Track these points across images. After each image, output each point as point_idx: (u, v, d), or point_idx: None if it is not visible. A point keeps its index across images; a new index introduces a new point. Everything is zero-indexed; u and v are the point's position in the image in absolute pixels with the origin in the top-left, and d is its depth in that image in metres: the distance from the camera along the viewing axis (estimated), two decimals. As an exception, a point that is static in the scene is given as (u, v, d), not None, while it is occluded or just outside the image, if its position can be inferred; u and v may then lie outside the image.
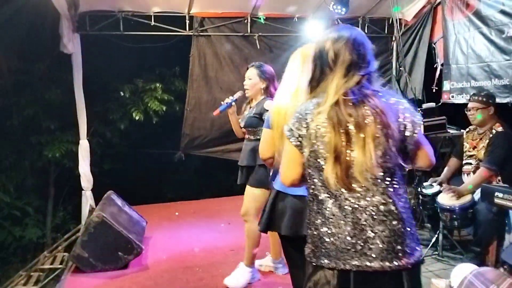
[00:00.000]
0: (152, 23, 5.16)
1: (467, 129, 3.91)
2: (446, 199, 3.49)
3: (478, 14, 4.55)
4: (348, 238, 1.46)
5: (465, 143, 3.85)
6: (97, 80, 6.02)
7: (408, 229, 1.48)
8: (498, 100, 3.87)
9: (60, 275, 3.89)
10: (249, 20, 5.45)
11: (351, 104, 1.47)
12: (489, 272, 1.79)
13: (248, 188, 3.20)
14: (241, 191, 3.33)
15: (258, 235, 3.21)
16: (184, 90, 5.93)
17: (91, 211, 4.73)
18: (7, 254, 5.83)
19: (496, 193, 2.93)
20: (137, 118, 5.89)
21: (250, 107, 3.28)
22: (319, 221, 1.52)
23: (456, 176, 3.91)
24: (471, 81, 4.71)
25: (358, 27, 5.78)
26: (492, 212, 3.24)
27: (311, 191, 1.57)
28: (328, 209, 1.49)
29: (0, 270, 5.53)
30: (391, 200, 1.46)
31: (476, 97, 3.67)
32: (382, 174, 1.46)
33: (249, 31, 5.49)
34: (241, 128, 3.35)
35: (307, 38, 5.55)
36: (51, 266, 4.32)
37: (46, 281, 4.18)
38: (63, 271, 3.94)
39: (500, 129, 3.55)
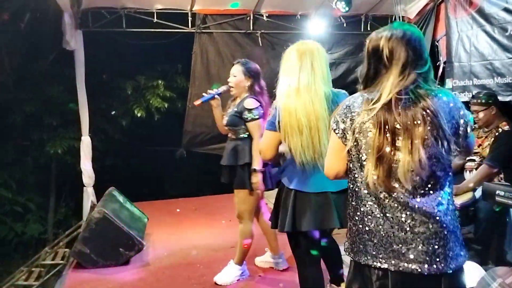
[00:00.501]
0: (155, 20, 5.16)
1: (473, 127, 3.90)
2: (446, 198, 3.48)
3: (481, 12, 4.54)
4: (387, 237, 1.44)
5: None
6: (99, 77, 6.05)
7: (451, 232, 1.44)
8: (500, 98, 3.85)
9: (62, 271, 3.90)
10: (251, 17, 5.45)
11: (403, 103, 1.42)
12: (501, 269, 1.83)
13: (235, 191, 3.19)
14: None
15: (251, 237, 3.21)
16: (186, 87, 5.93)
17: (92, 207, 4.75)
18: (8, 250, 5.85)
19: (498, 192, 2.90)
20: (139, 115, 5.90)
21: (234, 105, 3.22)
22: (357, 217, 1.52)
23: (458, 174, 3.89)
24: (474, 79, 4.69)
25: (360, 24, 5.78)
26: (493, 210, 3.22)
27: (351, 186, 1.56)
28: (368, 206, 1.49)
29: (1, 266, 5.54)
30: (433, 203, 1.43)
31: (475, 100, 3.63)
32: (427, 176, 1.42)
33: (251, 28, 5.49)
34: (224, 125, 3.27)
35: (310, 35, 5.56)
36: (52, 262, 4.31)
37: (47, 276, 4.18)
38: (64, 267, 3.95)
39: (506, 127, 3.53)
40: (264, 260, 3.54)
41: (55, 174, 6.40)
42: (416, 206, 1.42)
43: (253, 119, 3.02)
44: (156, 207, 5.37)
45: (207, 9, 5.34)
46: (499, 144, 3.48)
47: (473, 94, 4.04)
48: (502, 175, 3.49)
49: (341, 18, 5.52)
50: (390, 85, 1.44)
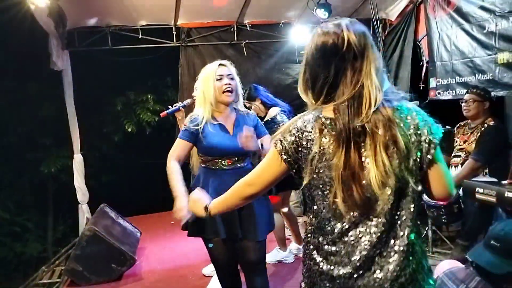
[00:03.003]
0: (140, 36, 5.25)
1: (458, 125, 3.94)
2: (431, 196, 3.51)
3: (459, 11, 4.59)
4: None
5: (456, 138, 3.87)
6: (90, 94, 6.13)
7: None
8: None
9: (58, 289, 3.95)
10: (235, 28, 5.53)
11: None
12: (460, 271, 1.81)
13: None
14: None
15: None
16: (176, 100, 6.00)
17: (87, 224, 4.80)
18: (8, 271, 5.93)
19: (477, 189, 2.95)
20: (129, 130, 5.98)
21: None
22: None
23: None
24: (456, 77, 4.74)
25: (343, 29, 5.83)
26: (477, 205, 3.26)
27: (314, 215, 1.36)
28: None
29: (3, 286, 5.61)
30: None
31: (474, 90, 3.72)
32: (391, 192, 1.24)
33: (235, 39, 5.56)
34: None
35: (293, 42, 5.64)
36: (49, 281, 4.37)
37: (45, 295, 4.24)
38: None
39: (492, 123, 3.58)
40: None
41: (51, 192, 6.50)
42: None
43: None
44: (151, 221, 5.43)
45: (191, 23, 5.43)
46: (486, 138, 3.52)
47: (469, 88, 4.07)
48: (487, 170, 3.52)
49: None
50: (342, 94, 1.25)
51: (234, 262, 2.46)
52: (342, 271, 1.27)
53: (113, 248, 3.70)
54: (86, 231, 3.70)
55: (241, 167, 2.38)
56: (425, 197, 3.51)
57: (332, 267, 1.29)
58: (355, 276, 1.26)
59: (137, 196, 6.44)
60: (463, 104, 3.72)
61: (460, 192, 3.45)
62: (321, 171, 1.28)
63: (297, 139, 1.32)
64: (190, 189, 2.39)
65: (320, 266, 1.32)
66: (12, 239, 5.92)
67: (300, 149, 1.32)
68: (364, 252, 1.25)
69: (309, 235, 1.38)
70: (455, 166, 3.75)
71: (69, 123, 5.11)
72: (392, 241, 1.26)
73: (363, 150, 1.24)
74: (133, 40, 5.29)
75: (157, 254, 4.34)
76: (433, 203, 3.46)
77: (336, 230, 1.29)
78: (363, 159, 1.24)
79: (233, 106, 2.43)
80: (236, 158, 2.37)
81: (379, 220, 1.26)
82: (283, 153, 1.34)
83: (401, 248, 1.25)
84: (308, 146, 1.29)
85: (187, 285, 3.57)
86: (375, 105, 1.23)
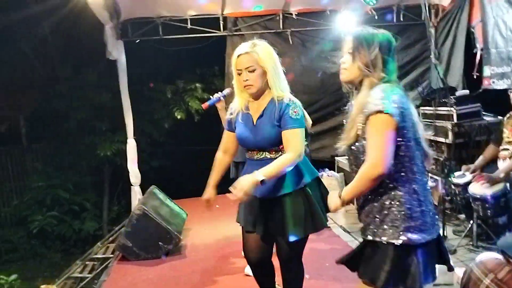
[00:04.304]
0: (189, 26, 5.45)
1: (507, 115, 3.78)
2: (477, 188, 3.42)
3: (516, -6, 4.35)
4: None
5: (504, 129, 3.72)
6: (143, 83, 6.43)
7: None
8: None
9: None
10: (281, 17, 5.57)
11: None
12: (490, 261, 1.79)
13: None
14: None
15: None
16: (223, 88, 6.14)
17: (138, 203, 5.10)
18: (68, 246, 6.42)
19: (524, 181, 2.85)
20: (179, 117, 6.22)
21: None
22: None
23: (492, 163, 3.79)
24: (512, 65, 4.51)
25: (393, 15, 5.69)
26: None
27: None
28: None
29: (62, 260, 6.09)
30: None
31: None
32: None
33: (281, 27, 5.61)
34: None
35: (340, 30, 5.58)
36: (103, 256, 4.70)
37: (99, 269, 4.57)
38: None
39: None
40: None
41: (107, 175, 6.90)
42: None
43: None
44: (197, 204, 5.59)
45: (237, 12, 5.54)
46: None
47: None
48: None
49: (372, 10, 5.47)
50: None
51: (261, 254, 2.42)
52: None
53: (160, 227, 3.93)
54: (136, 210, 3.95)
55: (273, 158, 2.21)
56: (470, 189, 3.45)
57: None
58: None
59: (185, 180, 6.68)
60: (511, 93, 3.56)
61: (508, 185, 3.35)
62: None
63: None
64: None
65: None
66: (72, 217, 6.38)
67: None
68: None
69: None
70: (503, 159, 3.62)
71: (123, 109, 5.41)
72: None
73: None
74: (183, 30, 5.49)
75: (201, 235, 4.55)
76: (478, 196, 3.38)
77: None
78: None
79: (265, 93, 2.26)
80: (263, 151, 2.26)
81: None
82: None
83: None
84: None
85: (227, 265, 3.73)
86: None
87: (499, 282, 1.62)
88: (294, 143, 2.16)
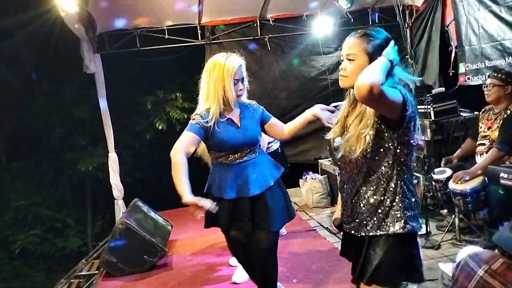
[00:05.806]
0: (166, 36, 5.42)
1: (483, 110, 3.85)
2: (457, 184, 3.46)
3: (486, -7, 4.45)
4: None
5: (480, 124, 3.79)
6: (122, 95, 6.37)
7: None
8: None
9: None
10: (258, 24, 5.60)
11: None
12: (485, 253, 1.80)
13: None
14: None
15: None
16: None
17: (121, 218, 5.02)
18: (51, 264, 6.28)
19: (501, 174, 2.88)
20: (160, 127, 6.17)
21: None
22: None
23: (470, 158, 3.85)
24: (485, 62, 4.61)
25: (368, 18, 5.77)
26: (503, 192, 3.18)
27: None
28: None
29: (47, 279, 5.96)
30: None
31: (495, 74, 3.63)
32: None
33: (259, 34, 5.63)
34: None
35: (317, 34, 5.63)
36: (88, 272, 4.60)
37: (85, 286, 4.48)
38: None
39: None
40: None
41: (90, 190, 6.79)
42: None
43: None
44: (182, 215, 5.56)
45: (215, 21, 5.55)
46: (508, 126, 3.43)
47: (494, 69, 3.96)
48: None
49: (348, 14, 5.54)
50: None
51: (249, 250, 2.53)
52: None
53: (144, 240, 3.86)
54: (119, 224, 3.89)
55: (253, 158, 2.46)
56: (450, 185, 3.49)
57: None
58: None
59: (169, 191, 6.60)
60: (484, 88, 3.64)
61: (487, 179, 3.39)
62: None
63: None
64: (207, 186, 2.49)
65: None
66: (54, 235, 6.26)
67: None
68: None
69: None
70: (480, 155, 3.68)
71: (103, 123, 5.34)
72: None
73: None
74: (160, 41, 5.46)
75: (187, 246, 4.49)
76: (458, 191, 3.41)
77: None
78: None
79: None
80: (248, 150, 2.45)
81: None
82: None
83: None
84: None
85: (214, 274, 3.68)
86: None
87: (493, 273, 1.63)
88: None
